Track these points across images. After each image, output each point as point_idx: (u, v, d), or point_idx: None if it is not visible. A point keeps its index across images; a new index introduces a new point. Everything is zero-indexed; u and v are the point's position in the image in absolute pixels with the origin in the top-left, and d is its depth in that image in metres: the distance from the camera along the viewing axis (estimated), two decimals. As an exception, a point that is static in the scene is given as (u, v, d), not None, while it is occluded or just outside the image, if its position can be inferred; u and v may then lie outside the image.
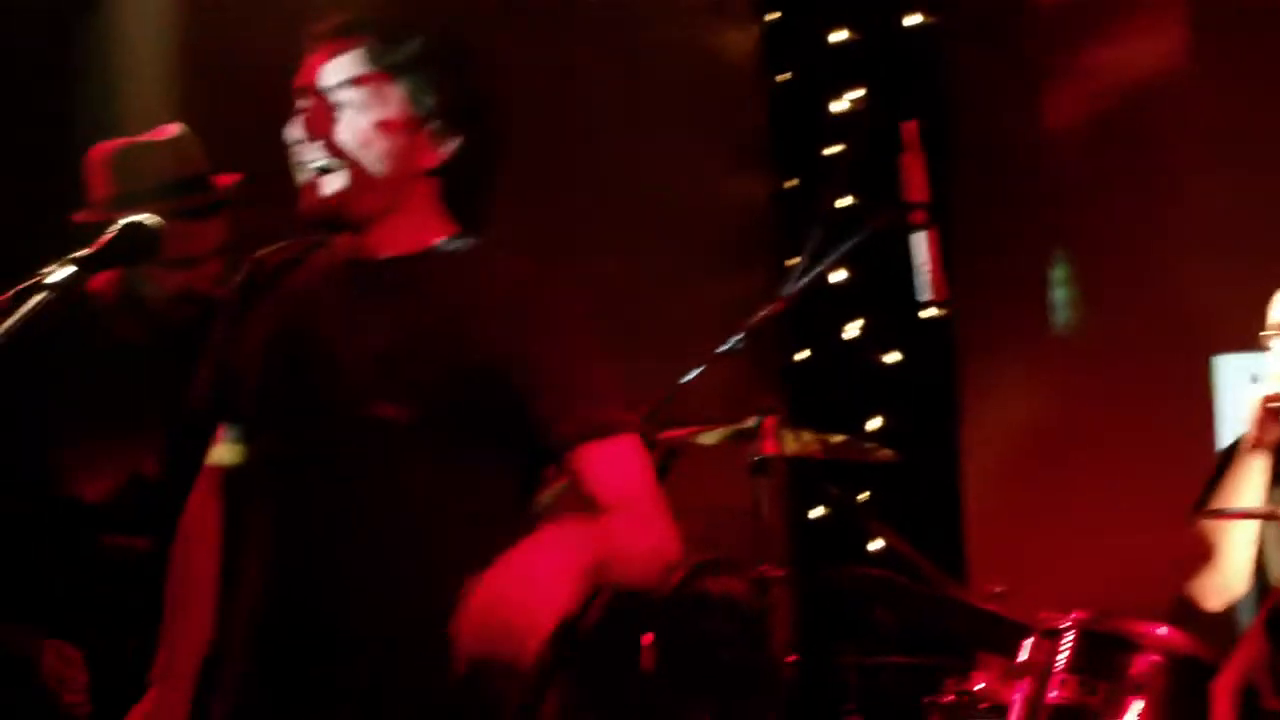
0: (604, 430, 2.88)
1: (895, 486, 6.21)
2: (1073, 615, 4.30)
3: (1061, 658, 4.23)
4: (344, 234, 2.99)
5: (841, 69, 6.59)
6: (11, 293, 2.81)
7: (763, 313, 4.04)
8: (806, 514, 6.56)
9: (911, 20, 6.55)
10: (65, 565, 4.06)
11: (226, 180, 4.13)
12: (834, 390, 6.54)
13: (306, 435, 2.92)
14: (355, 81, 2.91)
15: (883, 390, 6.53)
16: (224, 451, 3.16)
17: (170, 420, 4.06)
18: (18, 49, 5.41)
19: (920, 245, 3.98)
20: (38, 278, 2.82)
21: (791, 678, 5.04)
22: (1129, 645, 4.19)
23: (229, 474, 3.16)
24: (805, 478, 6.34)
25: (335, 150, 2.91)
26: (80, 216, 4.05)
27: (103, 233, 2.96)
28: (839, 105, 6.55)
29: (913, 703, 4.90)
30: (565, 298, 2.95)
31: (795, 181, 6.69)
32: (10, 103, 5.37)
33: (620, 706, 5.30)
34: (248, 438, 3.05)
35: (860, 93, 6.52)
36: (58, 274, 2.83)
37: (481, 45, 3.07)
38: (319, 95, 2.93)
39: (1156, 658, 4.14)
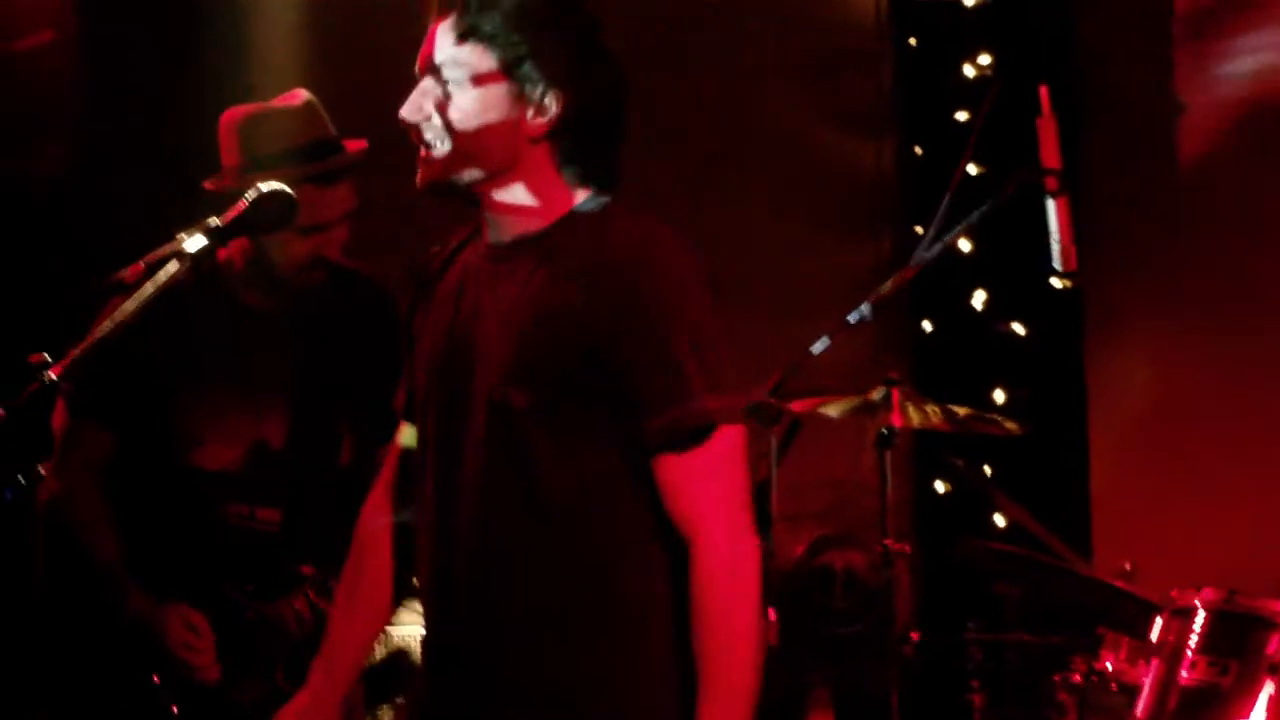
0: (692, 437, 2.80)
1: (1020, 460, 6.14)
2: (1203, 593, 4.23)
3: (1193, 638, 4.17)
4: (476, 214, 2.98)
5: (970, 34, 6.50)
6: (147, 260, 2.83)
7: (892, 281, 3.98)
8: (930, 487, 6.50)
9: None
10: (189, 533, 4.08)
11: (354, 146, 4.14)
12: (958, 361, 6.47)
13: (453, 427, 2.92)
14: (451, 54, 2.88)
15: (1008, 362, 6.45)
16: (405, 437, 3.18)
17: (296, 388, 4.09)
18: (150, 19, 5.46)
19: (1053, 213, 3.91)
20: (173, 245, 2.83)
21: (914, 654, 5.01)
22: (1262, 624, 4.13)
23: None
24: (929, 450, 6.29)
25: (440, 125, 2.89)
26: (210, 183, 4.06)
27: (232, 198, 2.97)
28: (968, 71, 6.48)
29: (1038, 681, 4.85)
30: (675, 264, 2.85)
31: (921, 148, 6.62)
32: (141, 71, 5.42)
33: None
34: (417, 436, 3.07)
35: (989, 58, 6.44)
36: (192, 242, 2.84)
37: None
38: (424, 72, 2.92)
39: (1292, 638, 4.07)
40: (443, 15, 2.91)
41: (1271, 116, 6.13)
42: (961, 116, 6.44)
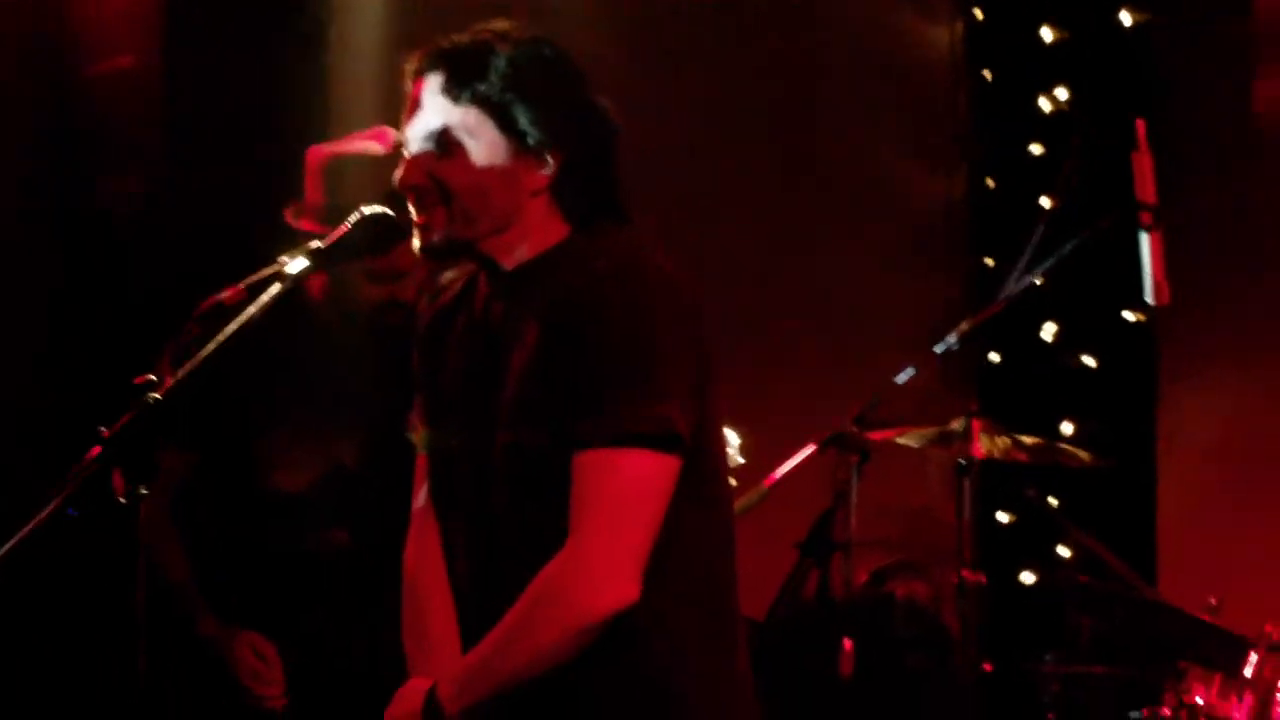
0: (600, 441, 2.76)
1: (1087, 492, 6.11)
2: (1293, 628, 4.21)
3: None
4: (474, 258, 2.97)
5: (1047, 67, 6.48)
6: (248, 282, 2.82)
7: (980, 314, 3.98)
8: (994, 518, 6.47)
9: (1125, 18, 6.41)
10: (264, 556, 4.08)
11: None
12: (1026, 393, 6.43)
13: (475, 468, 2.91)
14: (446, 117, 2.86)
15: (1077, 394, 6.42)
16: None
17: (372, 412, 4.08)
18: (233, 46, 5.48)
19: (1146, 247, 3.91)
20: (274, 268, 2.82)
21: (986, 685, 4.98)
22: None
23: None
24: (998, 480, 6.26)
25: (438, 193, 2.87)
26: (293, 217, 4.07)
27: (313, 239, 2.94)
28: (1043, 104, 6.45)
29: (1115, 714, 4.81)
30: (630, 294, 2.80)
31: (994, 180, 6.61)
32: (222, 97, 5.44)
33: (813, 710, 5.26)
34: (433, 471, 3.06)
35: (1065, 92, 6.42)
36: (294, 264, 2.83)
37: (572, 46, 2.97)
38: (416, 135, 2.90)
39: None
40: (422, 77, 2.89)
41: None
42: (1036, 150, 6.42)
